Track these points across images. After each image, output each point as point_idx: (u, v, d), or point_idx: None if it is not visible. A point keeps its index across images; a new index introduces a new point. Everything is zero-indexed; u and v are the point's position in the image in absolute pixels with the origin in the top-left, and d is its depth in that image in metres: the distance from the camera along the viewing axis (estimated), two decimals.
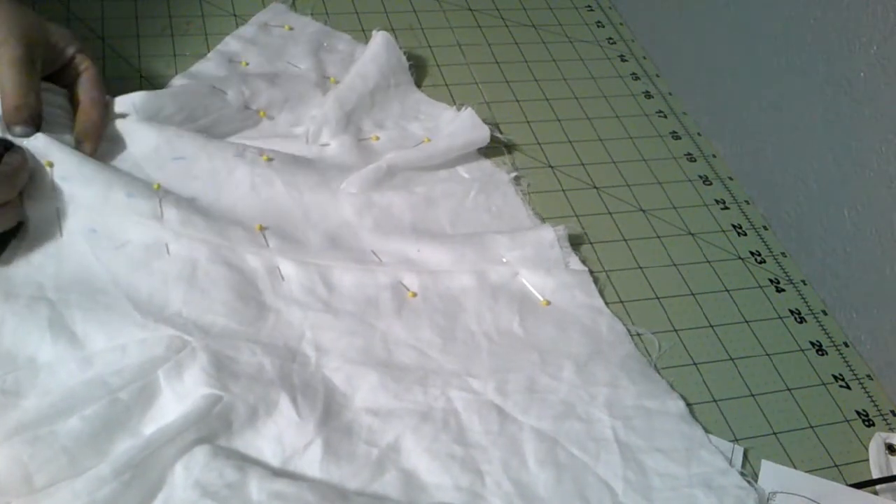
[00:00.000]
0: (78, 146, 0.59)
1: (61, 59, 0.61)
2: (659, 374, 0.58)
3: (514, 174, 0.70)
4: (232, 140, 0.66)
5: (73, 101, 0.61)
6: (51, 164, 0.57)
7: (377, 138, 0.69)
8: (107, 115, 0.61)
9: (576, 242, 0.66)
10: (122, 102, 0.62)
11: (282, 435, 0.49)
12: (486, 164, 0.70)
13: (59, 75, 0.62)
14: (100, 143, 0.60)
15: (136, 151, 0.61)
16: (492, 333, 0.58)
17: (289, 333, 0.55)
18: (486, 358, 0.56)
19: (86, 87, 0.61)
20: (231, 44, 0.74)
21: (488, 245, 0.62)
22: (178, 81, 0.69)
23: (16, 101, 0.57)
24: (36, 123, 0.57)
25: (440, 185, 0.67)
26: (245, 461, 0.47)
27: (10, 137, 0.57)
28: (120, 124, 0.62)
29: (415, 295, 0.59)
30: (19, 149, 0.56)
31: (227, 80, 0.69)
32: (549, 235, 0.63)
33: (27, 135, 0.57)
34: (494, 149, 0.71)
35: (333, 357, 0.54)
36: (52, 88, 0.61)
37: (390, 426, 0.51)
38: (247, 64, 0.72)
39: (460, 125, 0.70)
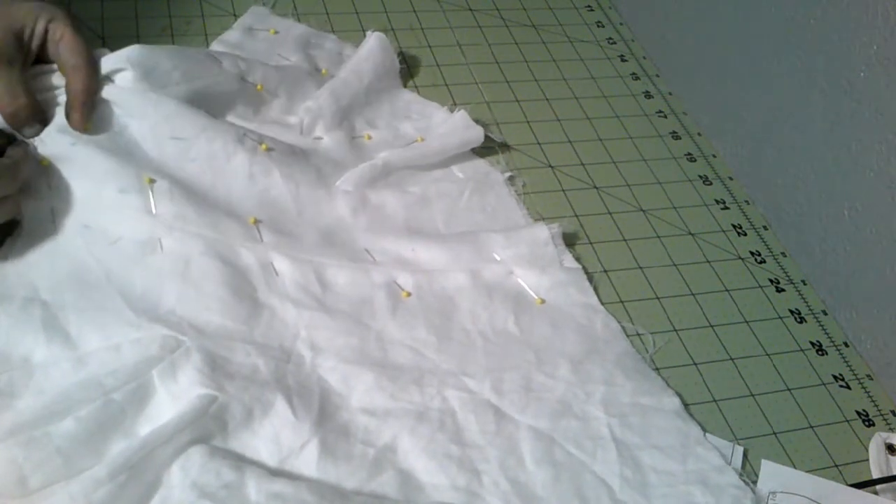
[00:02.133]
0: (68, 119, 0.57)
1: (35, 39, 0.59)
2: (657, 372, 0.58)
3: (508, 174, 0.69)
4: (230, 120, 0.65)
5: (62, 74, 0.59)
6: (47, 163, 0.57)
7: (370, 137, 0.69)
8: (93, 78, 0.59)
9: (575, 242, 0.66)
10: (116, 57, 0.61)
11: (278, 435, 0.49)
12: (481, 164, 0.70)
13: (43, 52, 0.59)
14: (90, 109, 0.58)
15: (134, 129, 0.60)
16: (487, 332, 0.58)
17: (284, 333, 0.55)
18: (481, 357, 0.56)
19: (64, 57, 0.58)
20: (217, 49, 0.73)
21: (482, 244, 0.62)
22: None
23: (9, 108, 0.56)
24: (39, 119, 0.57)
25: (434, 185, 0.67)
26: (242, 461, 0.47)
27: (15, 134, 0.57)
28: (117, 95, 0.60)
29: (409, 294, 0.59)
30: (23, 142, 0.56)
31: (223, 54, 0.68)
32: (543, 234, 0.63)
33: (37, 133, 0.57)
34: (489, 148, 0.71)
35: (329, 357, 0.54)
36: (41, 70, 0.60)
37: (387, 426, 0.51)
38: None
39: (453, 127, 0.70)
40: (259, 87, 0.68)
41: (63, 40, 0.59)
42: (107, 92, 0.60)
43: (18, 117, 0.56)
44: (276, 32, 0.76)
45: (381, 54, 0.73)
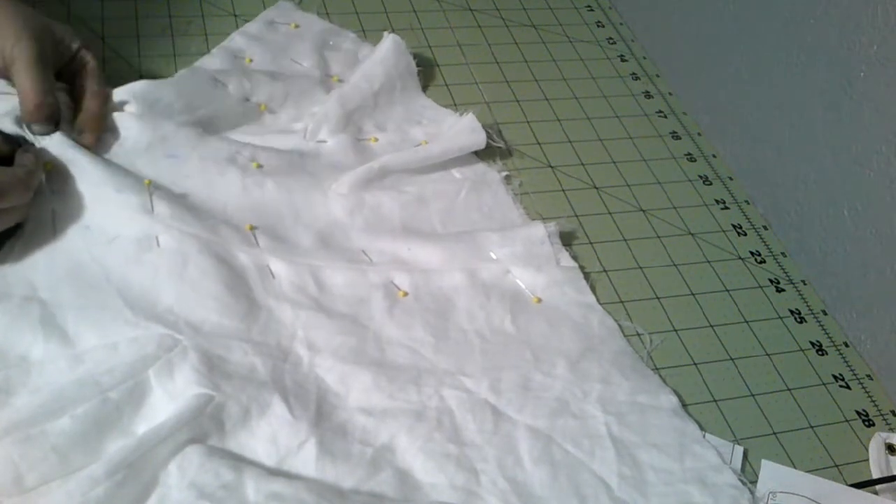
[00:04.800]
0: (79, 136, 0.59)
1: (67, 54, 0.62)
2: (657, 371, 0.58)
3: (504, 173, 0.69)
4: (230, 135, 0.66)
5: (76, 95, 0.62)
6: (51, 167, 0.57)
7: (376, 140, 0.69)
8: (107, 107, 0.62)
9: (575, 242, 0.66)
10: (121, 92, 0.63)
11: (276, 435, 0.49)
12: (478, 164, 0.70)
13: (63, 70, 0.62)
14: (101, 135, 0.61)
15: (130, 147, 0.61)
16: (484, 332, 0.58)
17: (281, 332, 0.55)
18: (478, 356, 0.56)
19: (88, 81, 0.62)
20: (236, 40, 0.74)
21: (479, 243, 0.62)
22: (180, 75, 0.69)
23: (36, 100, 0.57)
24: (55, 121, 0.58)
25: (431, 185, 0.67)
26: (241, 461, 0.47)
27: (27, 135, 0.58)
28: (118, 118, 0.62)
29: (406, 294, 0.59)
30: (31, 147, 0.56)
31: (229, 73, 0.69)
32: (539, 232, 0.63)
33: (47, 133, 0.58)
34: (487, 149, 0.71)
35: (326, 356, 0.54)
36: (56, 85, 0.61)
37: (384, 426, 0.51)
38: (251, 60, 0.73)
39: (459, 129, 0.70)
40: (262, 107, 0.68)
41: (89, 67, 0.62)
42: (109, 120, 0.62)
43: (40, 111, 0.58)
44: (297, 27, 0.77)
45: (395, 57, 0.73)
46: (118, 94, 0.63)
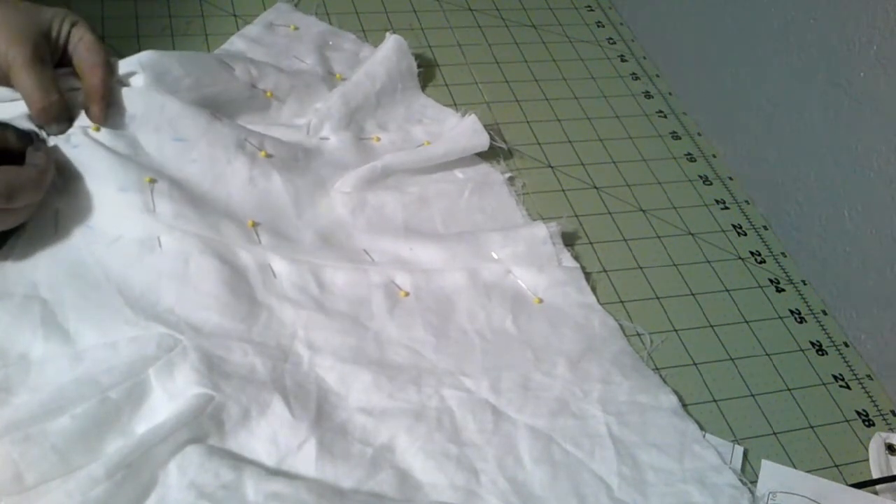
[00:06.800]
0: (87, 113, 0.59)
1: (62, 41, 0.61)
2: (657, 371, 0.58)
3: (508, 174, 0.69)
4: (238, 121, 0.66)
5: (79, 74, 0.61)
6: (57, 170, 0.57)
7: (378, 139, 0.69)
8: (109, 76, 0.60)
9: (575, 242, 0.66)
10: (128, 62, 0.62)
11: (276, 435, 0.49)
12: (481, 165, 0.70)
13: (65, 54, 0.61)
14: (107, 104, 0.59)
15: (137, 129, 0.60)
16: (485, 332, 0.58)
17: (281, 332, 0.55)
18: (479, 356, 0.56)
19: (83, 56, 0.60)
20: (236, 43, 0.74)
21: (481, 243, 0.62)
22: None
23: (41, 103, 0.57)
24: (67, 117, 0.58)
25: (433, 185, 0.67)
26: (241, 461, 0.47)
27: (41, 132, 0.57)
28: (124, 94, 0.61)
29: (407, 294, 0.59)
30: (42, 145, 0.56)
31: (235, 58, 0.69)
32: (541, 232, 0.63)
33: (63, 131, 0.58)
34: (489, 149, 0.71)
35: (326, 356, 0.54)
36: (62, 72, 0.61)
37: (384, 426, 0.51)
38: None
39: (461, 130, 0.70)
40: (269, 94, 0.68)
41: (83, 41, 0.61)
42: (116, 94, 0.61)
43: (49, 113, 0.57)
44: (296, 28, 0.77)
45: (397, 57, 0.73)
46: (125, 64, 0.62)
